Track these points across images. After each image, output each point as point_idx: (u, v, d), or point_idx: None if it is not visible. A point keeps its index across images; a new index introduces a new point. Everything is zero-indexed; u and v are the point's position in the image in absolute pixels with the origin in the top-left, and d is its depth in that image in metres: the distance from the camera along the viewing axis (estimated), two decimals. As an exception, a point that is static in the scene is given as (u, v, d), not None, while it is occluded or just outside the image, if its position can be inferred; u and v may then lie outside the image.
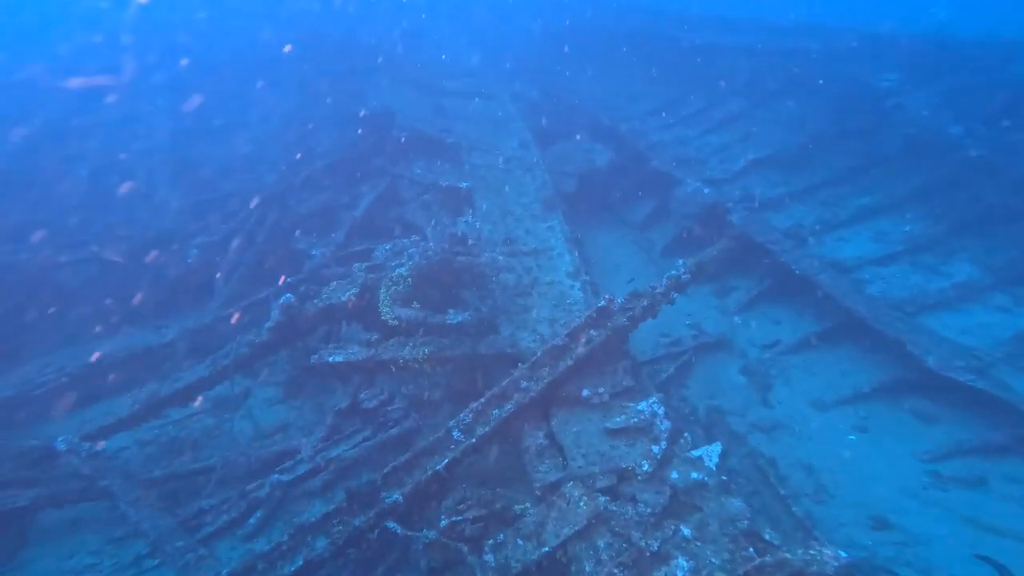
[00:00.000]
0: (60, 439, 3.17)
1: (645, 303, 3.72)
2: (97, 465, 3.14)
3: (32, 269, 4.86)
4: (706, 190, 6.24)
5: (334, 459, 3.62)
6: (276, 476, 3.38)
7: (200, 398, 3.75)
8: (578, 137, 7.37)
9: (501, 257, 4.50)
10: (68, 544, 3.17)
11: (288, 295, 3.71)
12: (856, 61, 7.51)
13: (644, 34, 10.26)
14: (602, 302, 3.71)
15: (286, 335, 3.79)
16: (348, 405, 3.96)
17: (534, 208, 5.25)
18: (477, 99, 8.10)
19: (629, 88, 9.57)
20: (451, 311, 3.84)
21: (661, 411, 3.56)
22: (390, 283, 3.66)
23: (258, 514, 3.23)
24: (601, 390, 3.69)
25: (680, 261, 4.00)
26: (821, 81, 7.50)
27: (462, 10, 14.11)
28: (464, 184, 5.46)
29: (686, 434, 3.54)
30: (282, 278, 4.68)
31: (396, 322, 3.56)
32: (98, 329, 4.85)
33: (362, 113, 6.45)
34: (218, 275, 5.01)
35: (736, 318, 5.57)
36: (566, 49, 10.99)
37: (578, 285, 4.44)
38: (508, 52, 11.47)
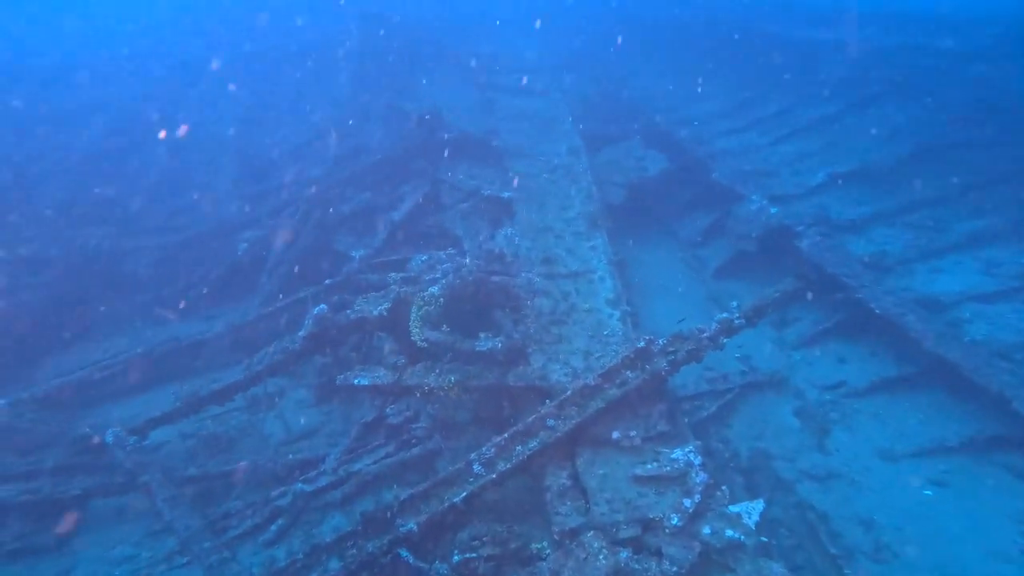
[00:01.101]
0: (108, 432, 3.50)
1: (689, 348, 3.53)
2: (139, 460, 3.44)
3: (102, 255, 5.33)
4: (773, 209, 5.78)
5: (355, 473, 3.75)
6: (299, 486, 3.56)
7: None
8: (632, 141, 7.07)
9: (538, 279, 4.42)
10: (113, 533, 3.52)
11: (322, 306, 3.84)
12: (999, 60, 6.54)
13: (716, 25, 9.61)
14: (641, 343, 3.55)
15: (318, 344, 3.94)
16: (374, 419, 4.07)
17: (577, 224, 5.10)
18: (528, 97, 7.94)
19: (694, 86, 9.01)
20: (481, 335, 3.83)
21: (697, 461, 3.39)
22: (422, 303, 3.69)
23: (279, 522, 3.42)
24: (633, 433, 3.57)
25: (734, 303, 3.74)
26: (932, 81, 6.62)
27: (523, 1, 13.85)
28: (506, 194, 5.39)
29: (723, 487, 3.35)
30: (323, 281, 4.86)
31: (425, 344, 3.59)
32: (159, 314, 5.27)
33: (410, 111, 6.50)
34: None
35: (795, 354, 5.18)
36: (619, 41, 10.48)
37: (618, 315, 4.28)
38: (566, 42, 11.15)
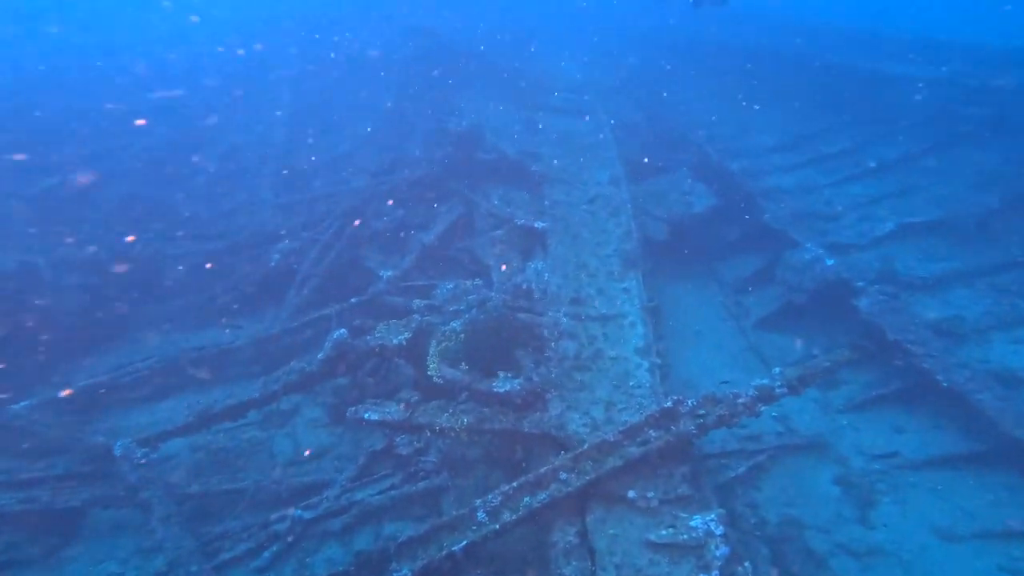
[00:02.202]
0: (118, 444, 3.66)
1: (722, 413, 3.36)
2: (143, 475, 3.57)
3: (144, 260, 5.67)
4: (829, 261, 5.45)
5: (357, 503, 3.76)
6: (298, 512, 3.59)
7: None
8: (679, 173, 6.92)
9: (565, 319, 4.34)
10: (105, 546, 3.58)
11: (342, 330, 3.91)
12: None
13: (779, 54, 9.33)
14: (669, 402, 3.42)
15: (336, 367, 4.01)
16: (383, 447, 4.08)
17: (612, 263, 4.99)
18: (572, 119, 7.94)
19: (750, 116, 8.73)
20: (500, 375, 3.78)
21: (719, 532, 3.20)
22: (442, 337, 3.69)
23: (273, 548, 3.45)
24: (650, 494, 3.42)
25: (777, 370, 3.54)
26: None
27: (574, 16, 14.03)
28: (540, 224, 5.36)
29: (746, 563, 3.14)
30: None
31: (441, 381, 3.59)
32: (187, 320, 5.53)
33: (450, 128, 6.62)
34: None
35: (842, 418, 4.85)
36: (669, 66, 10.34)
37: (646, 365, 4.14)
38: (615, 64, 11.14)
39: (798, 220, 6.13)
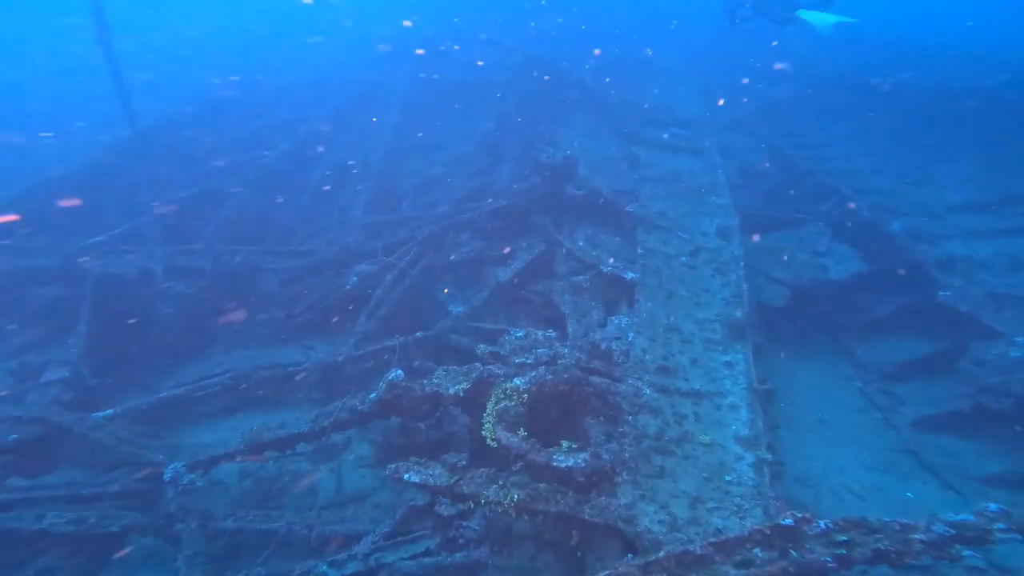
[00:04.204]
0: (169, 467, 3.85)
1: (881, 547, 2.60)
2: (184, 504, 3.69)
3: (242, 271, 6.17)
4: None
5: (387, 566, 3.56)
6: (324, 568, 3.48)
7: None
8: (811, 227, 6.16)
9: (648, 390, 3.88)
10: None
11: (398, 371, 3.84)
12: None
13: (969, 93, 8.08)
14: (789, 519, 2.77)
15: (388, 409, 3.93)
16: (424, 504, 3.88)
17: (713, 329, 4.44)
18: (680, 157, 7.50)
19: (923, 167, 7.56)
20: (563, 445, 3.42)
21: None
22: (502, 395, 3.45)
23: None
24: (745, 627, 2.79)
25: (992, 506, 2.62)
26: None
27: (691, 47, 13.63)
28: (629, 275, 4.98)
29: None
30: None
31: (495, 444, 3.33)
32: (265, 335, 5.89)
33: (542, 158, 6.54)
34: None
35: None
36: (801, 105, 9.38)
37: (750, 459, 3.52)
38: (737, 97, 10.51)
39: (1001, 303, 5.08)
